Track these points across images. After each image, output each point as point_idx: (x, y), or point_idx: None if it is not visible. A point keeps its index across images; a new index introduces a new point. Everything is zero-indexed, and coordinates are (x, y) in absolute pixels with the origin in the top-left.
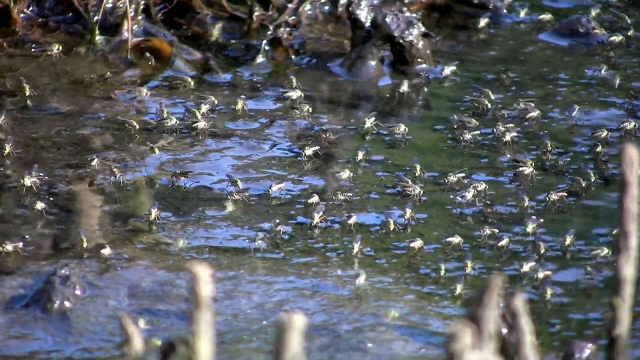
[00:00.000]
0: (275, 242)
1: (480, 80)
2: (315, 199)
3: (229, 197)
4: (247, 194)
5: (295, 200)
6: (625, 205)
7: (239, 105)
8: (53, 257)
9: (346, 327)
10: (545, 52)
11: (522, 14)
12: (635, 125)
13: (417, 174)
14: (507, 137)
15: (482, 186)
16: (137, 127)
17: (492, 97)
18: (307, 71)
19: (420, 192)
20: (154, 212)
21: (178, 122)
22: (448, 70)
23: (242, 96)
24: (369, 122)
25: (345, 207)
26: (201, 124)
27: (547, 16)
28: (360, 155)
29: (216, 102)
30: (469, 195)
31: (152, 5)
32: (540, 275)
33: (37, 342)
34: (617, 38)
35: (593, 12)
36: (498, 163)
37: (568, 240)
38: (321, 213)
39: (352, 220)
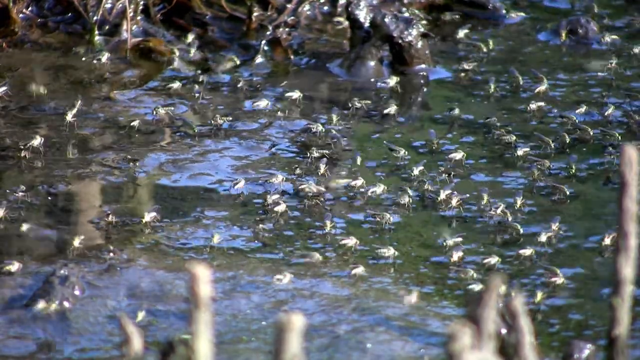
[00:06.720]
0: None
1: (479, 81)
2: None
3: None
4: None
5: (294, 199)
6: (625, 205)
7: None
8: (52, 257)
9: (345, 327)
10: (545, 52)
11: (521, 13)
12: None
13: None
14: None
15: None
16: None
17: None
18: (306, 71)
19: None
20: (150, 216)
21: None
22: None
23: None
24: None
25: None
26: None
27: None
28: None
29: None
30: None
31: (151, 5)
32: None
33: (36, 342)
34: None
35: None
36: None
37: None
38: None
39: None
